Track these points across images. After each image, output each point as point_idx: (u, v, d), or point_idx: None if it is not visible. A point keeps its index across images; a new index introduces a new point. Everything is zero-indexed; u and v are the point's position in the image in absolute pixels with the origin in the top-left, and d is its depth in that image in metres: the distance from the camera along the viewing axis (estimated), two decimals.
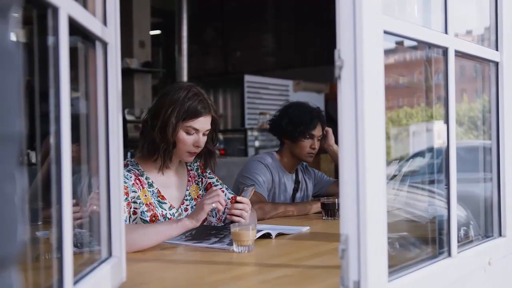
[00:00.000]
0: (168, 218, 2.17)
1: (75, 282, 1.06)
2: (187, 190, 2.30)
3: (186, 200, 2.28)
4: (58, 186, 0.97)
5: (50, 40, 0.98)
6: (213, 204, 1.93)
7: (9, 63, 0.55)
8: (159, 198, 2.18)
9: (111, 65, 1.33)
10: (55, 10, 0.96)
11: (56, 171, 0.97)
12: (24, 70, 0.59)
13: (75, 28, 1.08)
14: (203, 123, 2.16)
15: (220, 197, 1.96)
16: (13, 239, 0.56)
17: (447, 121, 1.48)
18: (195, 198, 2.31)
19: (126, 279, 1.39)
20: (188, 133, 2.15)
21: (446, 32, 1.48)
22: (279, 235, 2.12)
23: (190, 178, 2.33)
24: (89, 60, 1.31)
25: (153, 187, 2.18)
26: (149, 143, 2.16)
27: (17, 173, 0.57)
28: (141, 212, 2.11)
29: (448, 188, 1.48)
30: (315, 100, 6.25)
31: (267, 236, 2.05)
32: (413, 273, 1.32)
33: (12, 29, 0.57)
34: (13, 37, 0.57)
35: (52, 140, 0.98)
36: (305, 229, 2.29)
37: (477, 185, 1.93)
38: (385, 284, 1.19)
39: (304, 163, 3.13)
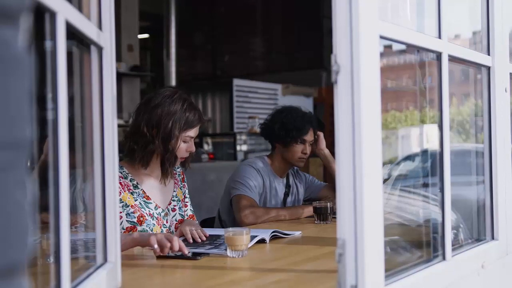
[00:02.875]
0: (155, 217, 2.23)
1: None
2: (174, 191, 2.38)
3: (174, 200, 2.36)
4: (55, 192, 0.97)
5: (47, 44, 0.98)
6: (155, 246, 1.78)
7: (20, 70, 0.55)
8: (144, 199, 2.23)
9: (106, 70, 1.33)
10: (53, 14, 0.96)
11: (54, 177, 0.97)
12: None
13: (71, 32, 1.07)
14: (197, 130, 2.28)
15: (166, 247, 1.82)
16: (24, 245, 0.55)
17: (440, 125, 1.49)
18: (181, 200, 2.40)
19: (121, 285, 1.39)
20: (185, 141, 2.25)
21: (439, 37, 1.49)
22: (274, 238, 2.13)
23: (176, 181, 2.41)
24: (84, 65, 1.30)
25: (139, 188, 2.24)
26: (148, 154, 2.21)
27: (27, 179, 0.57)
28: (127, 214, 2.15)
29: (442, 192, 1.49)
30: (304, 104, 6.26)
31: (261, 241, 2.05)
32: (409, 277, 1.33)
33: (21, 35, 0.56)
34: (22, 43, 0.57)
35: (49, 144, 0.97)
36: (298, 233, 2.29)
37: (467, 188, 1.95)
38: None
39: (295, 167, 3.13)
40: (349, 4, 1.13)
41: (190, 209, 2.45)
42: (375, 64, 1.18)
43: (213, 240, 2.09)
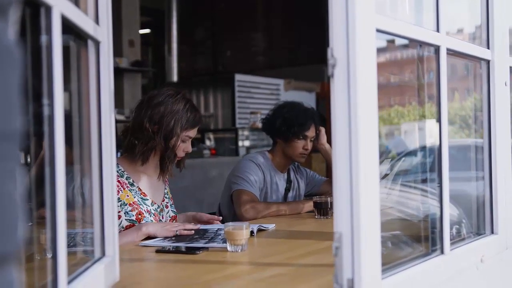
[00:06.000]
0: (152, 213, 2.26)
1: (69, 282, 1.05)
2: (165, 189, 2.42)
3: (166, 197, 2.40)
4: (52, 187, 0.97)
5: (43, 39, 0.98)
6: (177, 232, 2.09)
7: (10, 62, 0.55)
8: (141, 196, 2.26)
9: (104, 64, 1.33)
10: (48, 9, 0.96)
11: (50, 172, 0.97)
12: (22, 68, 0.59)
13: (67, 27, 1.07)
14: (196, 131, 2.32)
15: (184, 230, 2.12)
16: (14, 236, 0.56)
17: (439, 120, 1.49)
18: (171, 198, 2.44)
19: (119, 279, 1.39)
20: (183, 141, 2.27)
21: (438, 31, 1.48)
22: (259, 231, 2.17)
23: (166, 179, 2.44)
24: (81, 59, 1.30)
25: (134, 186, 2.26)
26: (148, 150, 2.23)
27: (18, 170, 0.57)
28: (125, 213, 2.18)
29: (440, 186, 1.49)
30: (306, 99, 6.25)
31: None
32: (406, 271, 1.33)
33: (11, 28, 0.57)
34: (12, 35, 0.57)
35: (45, 140, 0.97)
36: (271, 226, 2.31)
37: (468, 183, 1.95)
38: (379, 282, 1.20)
39: (296, 163, 3.13)
40: None
41: (173, 210, 2.47)
42: (371, 58, 1.18)
43: (203, 235, 2.09)
